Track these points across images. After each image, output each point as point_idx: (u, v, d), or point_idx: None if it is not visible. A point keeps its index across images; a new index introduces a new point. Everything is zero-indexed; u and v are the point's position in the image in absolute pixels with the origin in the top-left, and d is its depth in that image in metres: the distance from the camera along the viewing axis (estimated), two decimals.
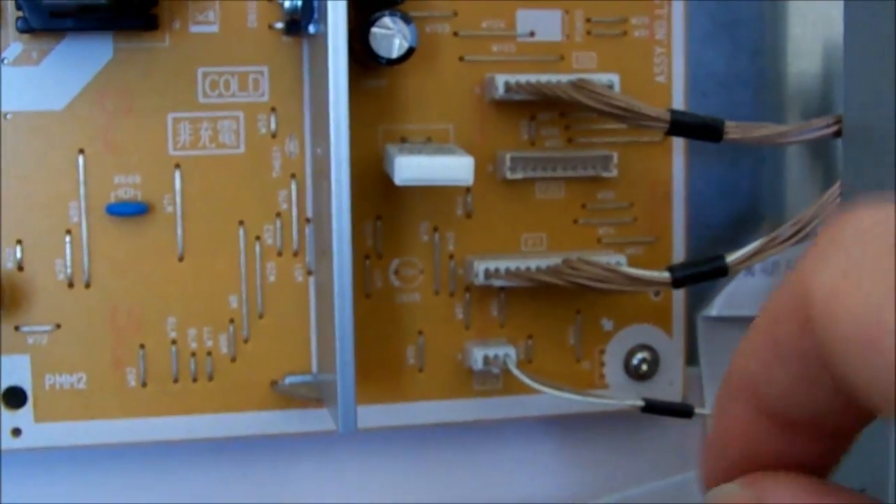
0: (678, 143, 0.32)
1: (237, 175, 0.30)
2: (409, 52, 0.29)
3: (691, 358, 0.33)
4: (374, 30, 0.28)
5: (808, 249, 0.16)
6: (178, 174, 0.29)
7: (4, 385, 0.29)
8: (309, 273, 0.30)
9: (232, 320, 0.30)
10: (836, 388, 0.15)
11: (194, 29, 0.29)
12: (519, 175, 0.30)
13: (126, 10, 0.28)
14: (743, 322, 0.33)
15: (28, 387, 0.29)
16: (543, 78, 0.30)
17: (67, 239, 0.29)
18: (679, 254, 0.32)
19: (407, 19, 0.28)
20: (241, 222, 0.30)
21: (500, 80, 0.30)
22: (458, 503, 0.33)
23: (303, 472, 0.33)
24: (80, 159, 0.29)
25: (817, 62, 0.34)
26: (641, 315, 0.32)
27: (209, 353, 0.30)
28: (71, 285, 0.29)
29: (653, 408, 0.30)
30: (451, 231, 0.31)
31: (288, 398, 0.30)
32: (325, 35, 0.27)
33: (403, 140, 0.30)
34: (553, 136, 0.31)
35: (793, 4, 0.34)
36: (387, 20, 0.28)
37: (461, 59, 0.31)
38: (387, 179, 0.29)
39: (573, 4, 0.31)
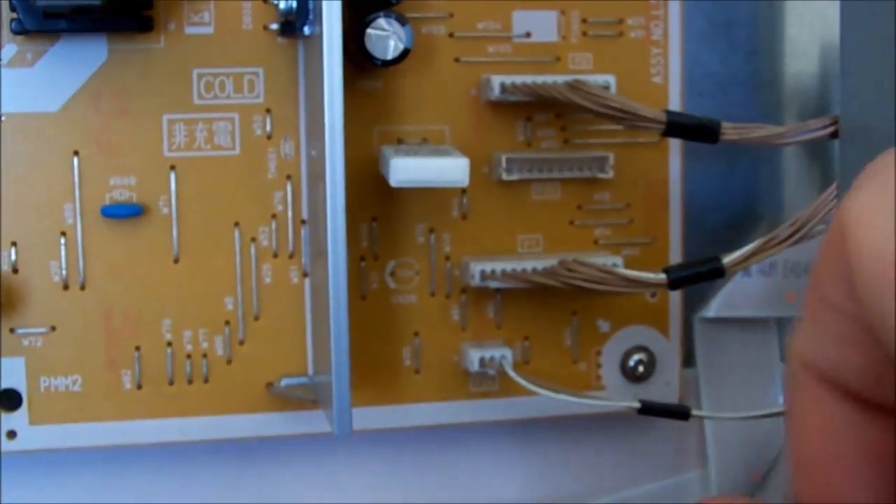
0: (675, 144, 0.32)
1: (232, 176, 0.30)
2: (405, 53, 0.28)
3: (688, 359, 0.33)
4: (370, 31, 0.28)
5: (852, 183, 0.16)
6: (173, 176, 0.29)
7: None
8: (305, 275, 0.30)
9: (227, 322, 0.30)
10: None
11: (189, 30, 0.29)
12: (515, 176, 0.30)
13: (121, 12, 0.28)
14: (740, 323, 0.33)
15: (23, 389, 0.29)
16: (539, 79, 0.30)
17: (62, 241, 0.29)
18: (675, 255, 0.32)
19: (402, 20, 0.28)
20: (236, 224, 0.30)
21: (496, 81, 0.30)
22: None
23: (298, 474, 0.32)
24: (75, 161, 0.29)
25: (814, 63, 0.34)
26: (638, 316, 0.32)
27: (205, 355, 0.30)
28: (66, 287, 0.29)
29: (649, 409, 0.30)
30: (446, 232, 0.31)
31: (284, 400, 0.30)
32: (320, 36, 0.27)
33: (399, 141, 0.30)
34: (549, 138, 0.31)
35: (789, 5, 0.34)
36: (382, 21, 0.28)
37: (457, 60, 0.30)
38: (382, 181, 0.29)
39: (569, 5, 0.31)
